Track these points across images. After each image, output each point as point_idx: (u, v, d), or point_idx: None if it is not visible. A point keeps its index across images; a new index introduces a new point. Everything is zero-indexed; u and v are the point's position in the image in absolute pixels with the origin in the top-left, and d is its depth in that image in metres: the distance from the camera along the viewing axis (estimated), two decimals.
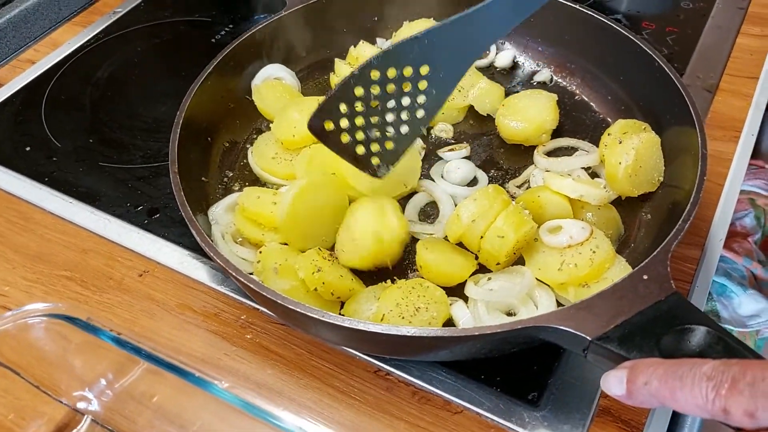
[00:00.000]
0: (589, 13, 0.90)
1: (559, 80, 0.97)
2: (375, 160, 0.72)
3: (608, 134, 0.82)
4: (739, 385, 0.42)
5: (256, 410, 0.56)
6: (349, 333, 0.61)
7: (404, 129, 0.71)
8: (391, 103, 0.70)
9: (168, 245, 0.80)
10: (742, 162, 0.87)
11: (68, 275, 0.78)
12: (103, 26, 1.13)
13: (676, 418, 0.96)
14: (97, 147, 0.93)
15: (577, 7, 0.91)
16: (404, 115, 0.70)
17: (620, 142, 0.79)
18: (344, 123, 0.69)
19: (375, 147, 0.71)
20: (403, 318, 0.66)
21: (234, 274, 0.64)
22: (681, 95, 0.77)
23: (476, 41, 0.67)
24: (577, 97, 0.95)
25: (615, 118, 0.90)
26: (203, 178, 0.81)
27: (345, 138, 0.70)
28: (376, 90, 0.68)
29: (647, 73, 0.83)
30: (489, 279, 0.73)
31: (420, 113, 0.70)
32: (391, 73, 0.67)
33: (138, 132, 0.95)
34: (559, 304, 0.71)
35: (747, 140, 0.90)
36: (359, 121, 0.69)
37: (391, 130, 0.71)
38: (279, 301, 0.61)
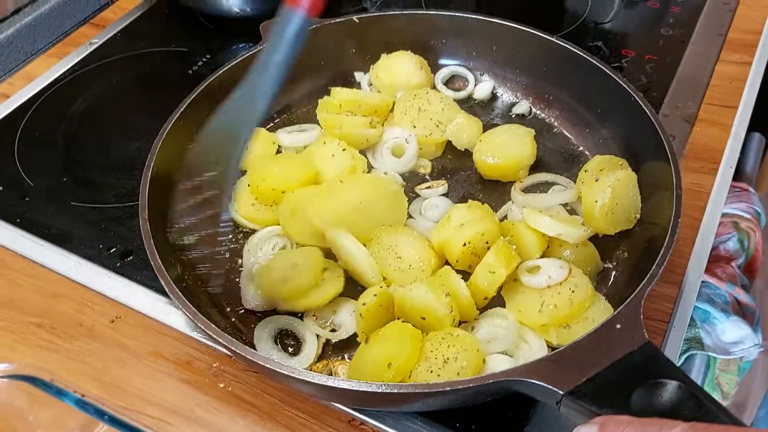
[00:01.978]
0: (566, 45, 0.90)
1: (538, 112, 0.96)
2: None
3: (585, 171, 0.82)
4: None
5: None
6: (319, 388, 0.60)
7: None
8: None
9: (141, 290, 0.79)
10: (721, 194, 0.87)
11: (38, 322, 0.77)
12: (79, 58, 1.12)
13: None
14: (70, 186, 0.92)
15: (554, 39, 0.91)
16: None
17: (597, 180, 0.78)
18: None
19: None
20: (431, 372, 0.64)
21: (203, 327, 0.63)
22: (656, 132, 0.77)
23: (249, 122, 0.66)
24: (555, 130, 0.94)
25: (593, 151, 0.89)
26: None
27: None
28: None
29: (624, 106, 0.83)
30: (473, 328, 0.72)
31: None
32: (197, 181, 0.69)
33: (111, 170, 0.94)
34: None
35: (725, 172, 0.90)
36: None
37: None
38: (249, 357, 0.60)
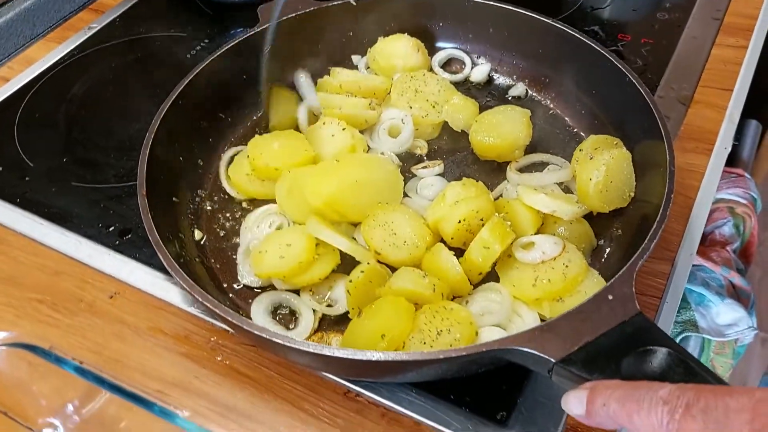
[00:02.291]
0: (562, 27, 0.90)
1: (534, 94, 0.97)
2: None
3: (580, 150, 0.83)
4: (693, 411, 0.42)
5: None
6: (314, 357, 0.61)
7: None
8: None
9: (140, 266, 0.80)
10: (714, 175, 0.88)
11: (39, 298, 0.78)
12: (78, 42, 1.13)
13: None
14: (70, 167, 0.93)
15: (550, 21, 0.91)
16: None
17: (591, 158, 0.79)
18: None
19: None
20: (424, 344, 0.65)
21: (200, 299, 0.64)
22: (650, 110, 0.78)
23: None
24: (551, 111, 0.95)
25: (588, 132, 0.90)
26: (174, 199, 0.81)
27: None
28: None
29: (618, 87, 0.83)
30: (467, 302, 0.73)
31: None
32: None
33: (112, 151, 0.95)
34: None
35: (719, 153, 0.90)
36: None
37: None
38: (245, 327, 0.61)
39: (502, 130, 0.86)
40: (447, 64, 1.02)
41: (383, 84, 0.95)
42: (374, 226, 0.76)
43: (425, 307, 0.68)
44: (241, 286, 0.76)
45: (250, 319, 0.72)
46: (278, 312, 0.74)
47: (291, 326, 0.73)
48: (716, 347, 1.16)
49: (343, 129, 0.86)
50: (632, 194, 0.79)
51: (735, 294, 1.16)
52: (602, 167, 0.77)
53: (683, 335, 1.10)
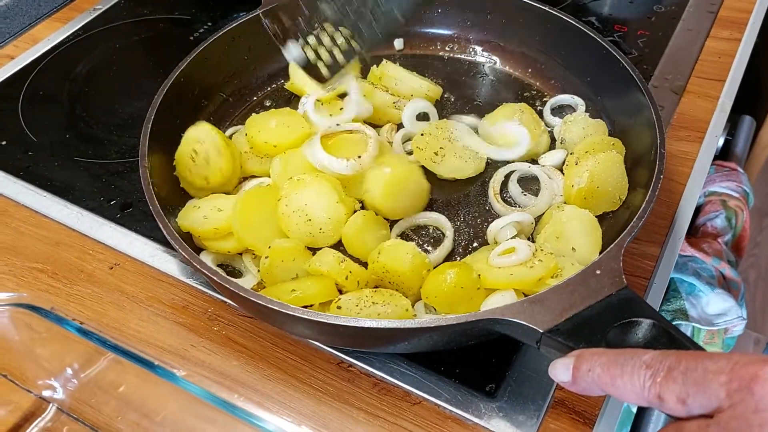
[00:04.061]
0: (557, 14, 0.92)
1: (531, 81, 0.99)
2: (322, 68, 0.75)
3: (571, 153, 0.83)
4: (674, 373, 0.44)
5: (216, 400, 0.58)
6: (308, 324, 0.63)
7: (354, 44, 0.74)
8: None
9: (139, 239, 0.81)
10: (705, 162, 0.89)
11: (40, 267, 0.79)
12: (83, 23, 1.14)
13: (640, 419, 0.98)
14: (73, 142, 0.94)
15: (547, 8, 0.93)
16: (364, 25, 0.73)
17: (576, 164, 0.80)
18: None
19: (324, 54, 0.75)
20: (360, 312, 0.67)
21: (199, 267, 0.65)
22: (642, 92, 0.79)
23: None
24: (545, 98, 0.96)
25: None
26: (174, 174, 0.82)
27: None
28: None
29: (612, 74, 0.85)
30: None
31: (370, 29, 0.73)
32: None
33: (114, 128, 0.96)
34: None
35: (710, 141, 0.92)
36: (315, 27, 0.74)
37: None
38: (241, 293, 0.63)
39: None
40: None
41: (431, 88, 0.94)
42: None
43: (367, 290, 0.70)
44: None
45: None
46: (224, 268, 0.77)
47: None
48: (706, 336, 1.18)
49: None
50: (623, 198, 0.79)
51: (725, 285, 1.18)
52: (585, 173, 0.77)
53: (673, 323, 1.12)
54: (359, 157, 0.79)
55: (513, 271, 0.70)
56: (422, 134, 0.84)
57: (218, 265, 0.76)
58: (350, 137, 0.84)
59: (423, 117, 0.91)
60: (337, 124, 0.84)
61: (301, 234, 0.75)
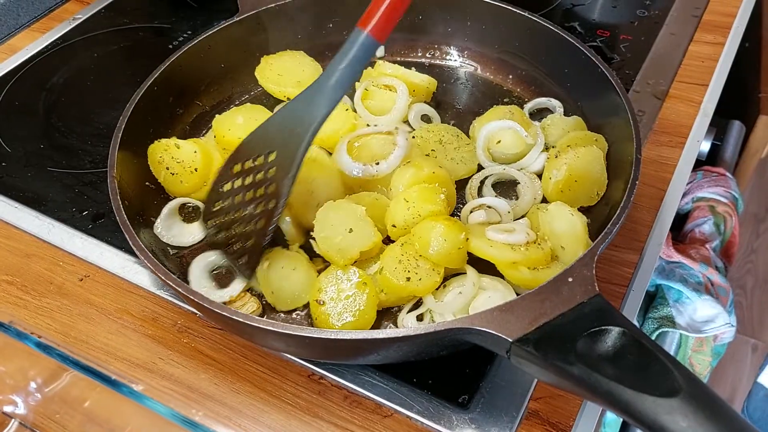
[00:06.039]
0: (536, 19, 0.91)
1: (511, 87, 0.98)
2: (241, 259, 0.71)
3: (553, 146, 0.83)
4: None
5: (178, 417, 0.56)
6: (275, 336, 0.61)
7: (260, 223, 0.69)
8: (249, 195, 0.71)
9: (111, 250, 0.80)
10: (686, 167, 0.88)
11: (9, 280, 0.78)
12: (62, 32, 1.13)
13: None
14: (47, 152, 0.93)
15: (526, 14, 0.92)
16: (259, 208, 0.70)
17: (556, 157, 0.79)
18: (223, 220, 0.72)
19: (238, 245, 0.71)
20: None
21: (165, 279, 0.64)
22: (619, 97, 0.78)
23: (308, 120, 0.68)
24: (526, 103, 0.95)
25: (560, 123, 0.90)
26: (147, 183, 0.81)
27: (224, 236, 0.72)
28: (238, 183, 0.71)
29: (591, 79, 0.84)
30: (445, 286, 0.73)
31: (271, 203, 0.69)
32: (248, 165, 0.71)
33: (89, 137, 0.95)
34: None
35: (692, 146, 0.91)
36: (230, 216, 0.72)
37: (250, 225, 0.70)
38: (206, 305, 0.61)
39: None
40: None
41: (428, 83, 0.93)
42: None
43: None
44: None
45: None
46: (214, 271, 0.75)
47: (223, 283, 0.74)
48: (694, 344, 1.16)
49: (346, 110, 0.86)
50: (601, 193, 0.78)
51: (713, 291, 1.16)
52: (563, 166, 0.77)
53: (660, 331, 1.11)
54: (377, 163, 0.78)
55: (495, 245, 0.70)
56: (414, 137, 0.84)
57: (211, 271, 0.75)
58: (388, 138, 0.82)
59: (427, 120, 0.93)
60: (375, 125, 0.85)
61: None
